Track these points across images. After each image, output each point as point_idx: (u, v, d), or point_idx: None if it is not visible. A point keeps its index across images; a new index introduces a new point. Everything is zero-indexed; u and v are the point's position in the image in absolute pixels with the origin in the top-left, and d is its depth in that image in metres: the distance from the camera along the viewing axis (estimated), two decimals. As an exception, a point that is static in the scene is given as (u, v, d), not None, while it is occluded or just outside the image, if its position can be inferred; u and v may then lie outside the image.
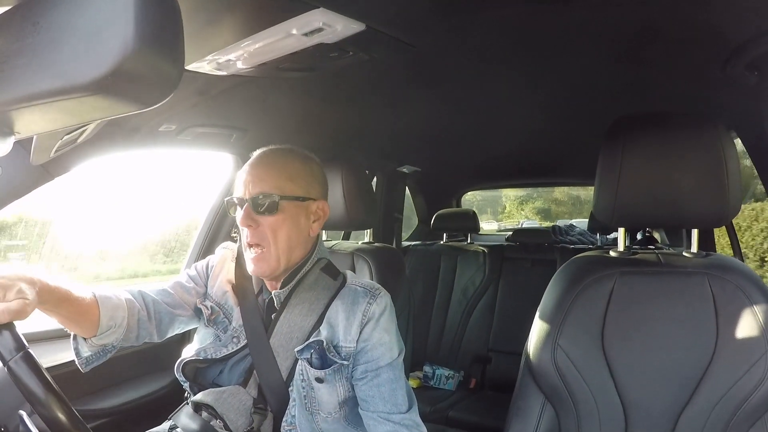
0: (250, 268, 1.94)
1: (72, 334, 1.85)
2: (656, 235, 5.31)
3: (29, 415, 1.60)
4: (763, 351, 1.75)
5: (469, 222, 5.39)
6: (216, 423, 1.84)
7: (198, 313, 2.09)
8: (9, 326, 1.46)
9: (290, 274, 2.00)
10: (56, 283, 1.65)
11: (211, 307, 2.06)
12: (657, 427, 1.85)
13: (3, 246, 3.14)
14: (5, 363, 1.46)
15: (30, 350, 1.50)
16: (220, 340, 2.01)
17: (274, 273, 1.95)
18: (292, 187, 1.94)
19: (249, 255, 1.93)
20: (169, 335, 2.08)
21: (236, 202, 1.94)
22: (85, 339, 1.84)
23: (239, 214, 1.91)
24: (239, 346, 1.98)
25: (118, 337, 1.88)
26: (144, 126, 2.39)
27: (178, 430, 1.93)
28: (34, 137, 1.83)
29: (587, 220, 6.05)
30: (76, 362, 1.87)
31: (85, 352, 1.86)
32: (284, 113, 2.89)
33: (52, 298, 1.63)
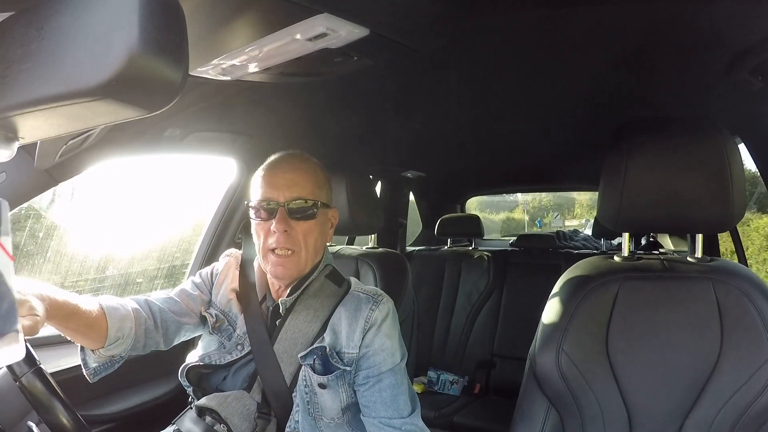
0: (274, 271, 1.94)
1: (79, 345, 1.84)
2: (670, 242, 5.31)
3: (37, 425, 1.60)
4: None
5: (473, 227, 5.38)
6: (220, 428, 1.84)
7: (203, 320, 2.09)
8: None
9: (299, 281, 2.00)
10: (64, 297, 1.64)
11: (216, 314, 2.06)
12: None
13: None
14: (17, 379, 1.46)
15: (42, 366, 1.50)
16: (224, 347, 2.01)
17: (299, 276, 1.97)
18: (321, 194, 1.97)
19: (273, 258, 1.93)
20: (176, 343, 2.08)
21: (265, 206, 1.93)
22: (92, 350, 1.83)
23: (265, 218, 1.92)
24: (243, 352, 1.98)
25: (126, 348, 1.88)
26: (149, 131, 2.40)
27: (181, 434, 1.93)
28: (38, 142, 1.83)
29: None
30: (84, 373, 1.86)
31: (93, 363, 1.85)
32: (289, 118, 2.89)
33: (60, 313, 1.62)
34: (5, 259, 1.13)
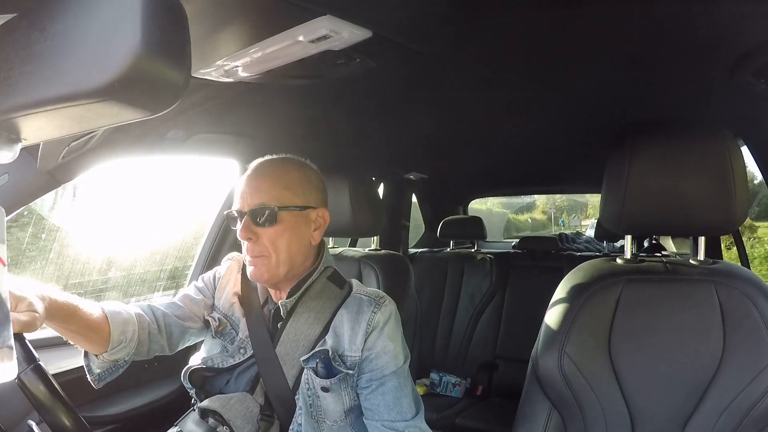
0: (249, 273, 1.94)
1: (83, 351, 1.85)
2: (672, 244, 5.31)
3: (38, 424, 1.60)
4: None
5: (475, 229, 5.39)
6: (223, 430, 1.84)
7: (207, 324, 2.09)
8: (19, 338, 1.46)
9: (297, 283, 2.00)
10: (65, 299, 1.66)
11: (219, 318, 2.06)
12: None
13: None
14: (17, 376, 1.46)
15: (41, 362, 1.50)
16: (227, 351, 2.01)
17: (272, 280, 1.95)
18: (290, 196, 1.93)
19: (248, 261, 1.93)
20: (181, 347, 2.09)
21: (236, 215, 1.93)
22: (96, 356, 1.84)
23: (239, 226, 1.91)
24: (246, 356, 1.98)
25: (130, 352, 1.88)
26: (151, 132, 2.40)
27: (184, 436, 1.93)
28: (41, 143, 1.83)
29: None
30: (89, 379, 1.87)
31: (97, 369, 1.86)
32: (291, 120, 2.90)
33: (61, 314, 1.63)
34: None
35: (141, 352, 1.93)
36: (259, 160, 2.03)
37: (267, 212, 1.88)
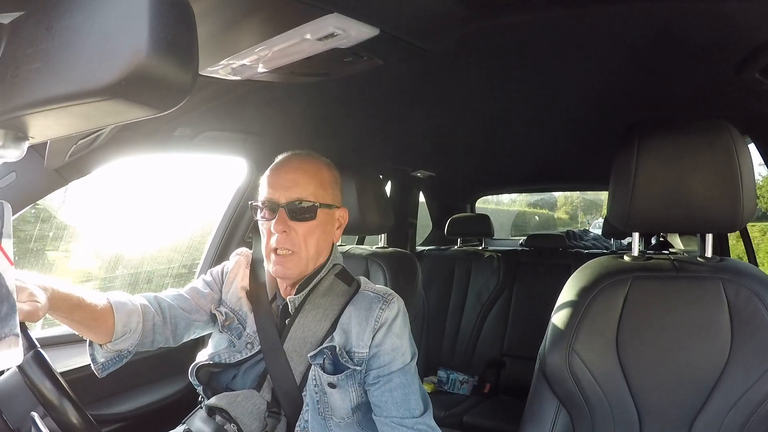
0: (275, 270, 1.94)
1: (87, 340, 1.85)
2: (680, 241, 5.30)
3: (41, 417, 1.61)
4: None
5: (483, 227, 5.38)
6: (230, 427, 1.84)
7: (213, 318, 2.09)
8: (21, 327, 1.46)
9: (305, 280, 2.00)
10: (68, 290, 1.66)
11: (226, 313, 2.06)
12: None
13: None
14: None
15: (41, 350, 1.51)
16: (234, 346, 2.01)
17: (299, 276, 1.96)
18: (324, 194, 1.96)
19: (275, 257, 1.93)
20: (185, 340, 2.09)
21: (267, 206, 1.93)
22: (100, 345, 1.84)
23: (268, 218, 1.91)
24: (253, 351, 1.98)
25: (134, 343, 1.88)
26: (159, 130, 2.40)
27: (191, 433, 1.93)
28: (48, 142, 1.84)
29: None
30: (93, 368, 1.87)
31: (101, 358, 1.86)
32: (298, 118, 2.90)
33: (64, 305, 1.63)
34: (5, 262, 1.13)
35: (145, 343, 1.93)
36: (290, 153, 2.04)
37: (307, 207, 1.90)
